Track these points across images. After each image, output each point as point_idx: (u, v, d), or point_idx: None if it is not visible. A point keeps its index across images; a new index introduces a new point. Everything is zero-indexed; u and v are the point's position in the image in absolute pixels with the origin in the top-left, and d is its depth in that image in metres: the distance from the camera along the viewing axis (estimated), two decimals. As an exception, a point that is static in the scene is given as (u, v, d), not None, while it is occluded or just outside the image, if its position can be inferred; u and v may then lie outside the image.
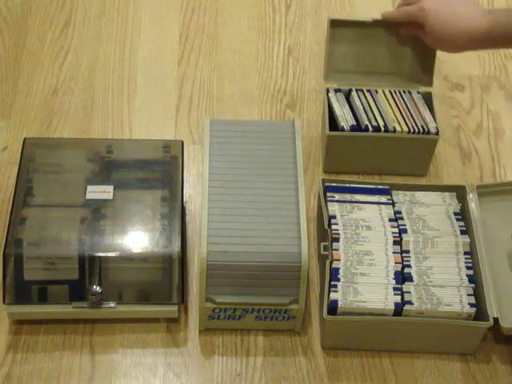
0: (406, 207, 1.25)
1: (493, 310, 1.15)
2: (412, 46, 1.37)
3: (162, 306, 1.18)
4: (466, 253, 1.20)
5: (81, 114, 1.46)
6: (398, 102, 1.38)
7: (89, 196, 1.21)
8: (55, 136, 1.42)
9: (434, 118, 1.36)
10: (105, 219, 1.19)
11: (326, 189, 1.26)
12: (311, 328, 1.21)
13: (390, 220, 1.23)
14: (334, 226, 1.21)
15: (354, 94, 1.39)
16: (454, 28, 1.22)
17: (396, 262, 1.18)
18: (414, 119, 1.36)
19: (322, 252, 1.19)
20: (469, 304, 1.15)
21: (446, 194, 1.27)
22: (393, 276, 1.17)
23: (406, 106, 1.38)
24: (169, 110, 1.48)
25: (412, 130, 1.34)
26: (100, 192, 1.21)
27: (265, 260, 1.12)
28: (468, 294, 1.16)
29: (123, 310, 1.17)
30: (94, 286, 1.15)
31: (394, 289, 1.16)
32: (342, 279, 1.16)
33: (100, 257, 1.17)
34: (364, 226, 1.22)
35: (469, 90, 1.55)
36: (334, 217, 1.22)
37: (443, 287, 1.16)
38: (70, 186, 1.23)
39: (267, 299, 1.15)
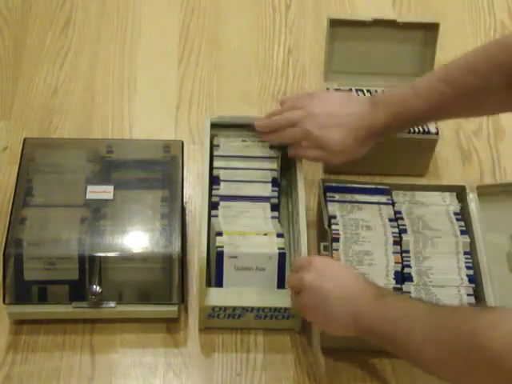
0: (406, 207, 1.25)
1: (493, 310, 1.14)
2: (412, 45, 1.37)
3: (162, 306, 1.18)
4: (465, 253, 1.20)
5: (81, 114, 1.46)
6: (397, 102, 1.38)
7: (89, 196, 1.21)
8: (55, 136, 1.42)
9: (433, 118, 1.36)
10: (105, 219, 1.19)
11: (326, 189, 1.26)
12: (311, 328, 1.20)
13: (390, 220, 1.23)
14: (334, 226, 1.21)
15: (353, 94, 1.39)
16: (351, 133, 1.16)
17: (396, 262, 1.18)
18: (413, 119, 1.35)
19: (322, 252, 1.19)
20: (469, 304, 1.15)
21: (446, 193, 1.27)
22: (393, 276, 1.17)
23: (406, 106, 1.37)
24: (169, 109, 1.48)
25: (412, 129, 1.34)
26: (100, 192, 1.21)
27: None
28: (468, 294, 1.16)
29: (123, 310, 1.17)
30: (94, 286, 1.15)
31: (394, 289, 1.16)
32: (341, 279, 1.16)
33: (100, 257, 1.17)
34: (364, 226, 1.22)
35: (469, 90, 1.55)
36: (334, 217, 1.22)
37: (443, 287, 1.16)
38: (70, 186, 1.23)
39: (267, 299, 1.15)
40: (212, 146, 1.27)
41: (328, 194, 1.25)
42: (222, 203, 1.21)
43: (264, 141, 1.28)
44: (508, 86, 1.03)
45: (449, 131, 1.47)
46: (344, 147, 1.17)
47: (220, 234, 1.17)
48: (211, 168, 1.24)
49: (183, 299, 1.18)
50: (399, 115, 1.13)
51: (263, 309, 1.16)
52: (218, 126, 1.28)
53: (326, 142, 1.17)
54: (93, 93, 1.49)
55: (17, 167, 1.24)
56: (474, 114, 1.23)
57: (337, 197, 1.25)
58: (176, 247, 1.19)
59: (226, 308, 1.15)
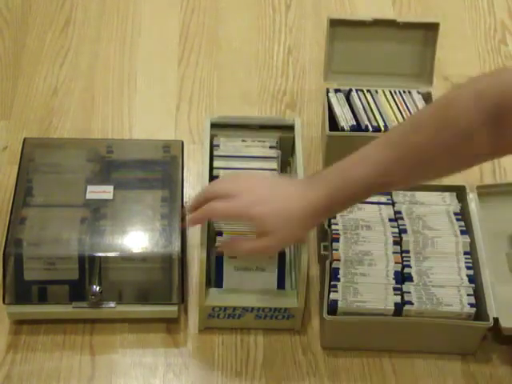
0: (405, 207, 1.25)
1: (493, 310, 1.14)
2: (412, 46, 1.37)
3: (162, 306, 1.18)
4: (465, 253, 1.20)
5: (81, 113, 1.46)
6: (397, 102, 1.38)
7: (89, 196, 1.21)
8: (55, 136, 1.42)
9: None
10: (105, 219, 1.19)
11: (326, 189, 1.26)
12: (311, 328, 1.21)
13: (390, 220, 1.23)
14: (334, 226, 1.21)
15: (353, 94, 1.39)
16: (292, 214, 1.03)
17: (396, 262, 1.18)
18: (414, 119, 1.36)
19: (322, 252, 1.19)
20: (469, 304, 1.15)
21: (446, 193, 1.27)
22: (393, 276, 1.17)
23: (406, 106, 1.38)
24: (169, 109, 1.48)
25: (412, 130, 1.34)
26: (100, 192, 1.21)
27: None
28: (468, 294, 1.16)
29: (123, 310, 1.17)
30: (94, 286, 1.15)
31: (394, 289, 1.16)
32: (341, 279, 1.16)
33: (100, 257, 1.17)
34: (364, 226, 1.22)
35: (469, 89, 1.55)
36: (334, 217, 1.22)
37: (443, 287, 1.16)
38: (70, 186, 1.23)
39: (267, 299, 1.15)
40: (212, 146, 1.27)
41: (328, 194, 1.25)
42: (221, 203, 1.21)
43: (264, 141, 1.28)
44: (460, 139, 0.94)
45: (449, 131, 1.47)
46: (285, 233, 1.05)
47: (220, 234, 1.17)
48: (211, 168, 1.24)
49: (183, 299, 1.18)
50: (340, 191, 1.01)
51: (263, 309, 1.16)
52: (218, 126, 1.28)
53: (266, 229, 1.05)
54: (93, 93, 1.50)
55: (17, 167, 1.24)
56: (425, 177, 1.07)
57: (337, 197, 1.25)
58: (176, 247, 1.19)
59: (226, 308, 1.15)
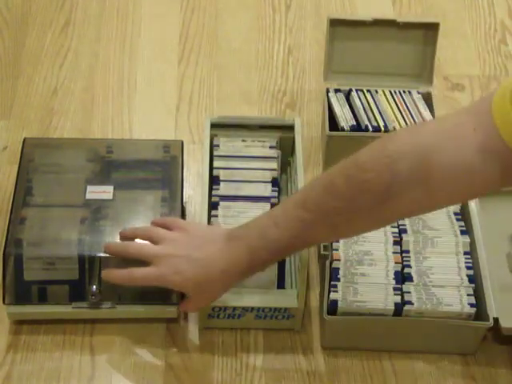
0: (405, 207, 1.25)
1: (493, 310, 1.14)
2: (412, 45, 1.37)
3: (162, 306, 1.17)
4: (465, 253, 1.20)
5: (81, 113, 1.46)
6: (397, 102, 1.38)
7: (89, 196, 1.21)
8: (55, 136, 1.42)
9: (433, 118, 1.36)
10: (105, 219, 1.19)
11: (326, 189, 1.26)
12: (311, 328, 1.20)
13: (390, 220, 1.23)
14: (333, 226, 1.21)
15: (353, 94, 1.39)
16: (214, 279, 1.05)
17: (396, 262, 1.18)
18: (413, 119, 1.36)
19: (322, 252, 1.19)
20: (469, 304, 1.15)
21: (446, 193, 1.27)
22: (393, 276, 1.17)
23: (406, 106, 1.38)
24: (169, 109, 1.48)
25: (412, 129, 1.34)
26: (100, 192, 1.21)
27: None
28: (468, 294, 1.16)
29: (123, 310, 1.17)
30: (94, 286, 1.15)
31: (394, 289, 1.16)
32: (341, 279, 1.16)
33: (100, 257, 1.16)
34: (364, 225, 1.22)
35: (469, 89, 1.55)
36: (334, 217, 1.22)
37: (443, 287, 1.16)
38: (70, 186, 1.23)
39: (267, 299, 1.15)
40: (212, 146, 1.27)
41: (328, 194, 1.25)
42: (221, 203, 1.21)
43: (264, 141, 1.28)
44: (378, 203, 0.93)
45: (449, 131, 1.47)
46: (205, 296, 1.08)
47: (220, 234, 1.17)
48: (211, 168, 1.24)
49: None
50: (261, 250, 1.01)
51: (263, 309, 1.16)
52: (218, 126, 1.29)
53: (183, 288, 1.09)
54: (93, 93, 1.50)
55: (17, 167, 1.24)
56: (344, 235, 1.10)
57: (337, 197, 1.25)
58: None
59: (226, 308, 1.15)
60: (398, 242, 1.20)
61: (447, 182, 0.89)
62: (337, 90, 1.40)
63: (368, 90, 1.39)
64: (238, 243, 1.03)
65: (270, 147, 1.28)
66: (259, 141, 1.28)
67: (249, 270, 1.04)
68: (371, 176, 0.92)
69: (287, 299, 1.16)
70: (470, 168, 0.88)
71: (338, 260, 1.18)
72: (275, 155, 1.27)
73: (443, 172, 0.89)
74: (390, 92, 1.40)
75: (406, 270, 1.18)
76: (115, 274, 1.10)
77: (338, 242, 1.19)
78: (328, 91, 1.40)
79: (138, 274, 1.08)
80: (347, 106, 1.38)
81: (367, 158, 0.94)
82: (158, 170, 1.26)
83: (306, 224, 0.98)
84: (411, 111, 1.37)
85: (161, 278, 1.07)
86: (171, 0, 1.66)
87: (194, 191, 1.35)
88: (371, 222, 0.99)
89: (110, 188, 1.22)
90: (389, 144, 0.93)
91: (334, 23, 1.35)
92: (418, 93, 1.40)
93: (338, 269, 1.17)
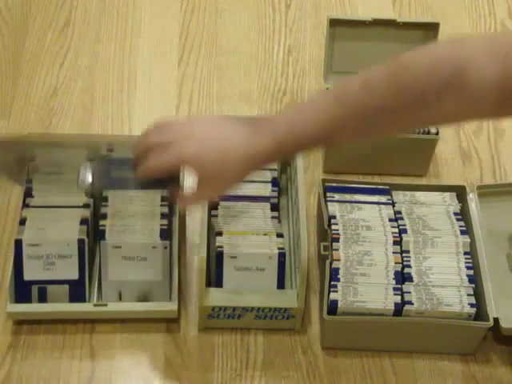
0: (405, 207, 1.25)
1: (493, 310, 1.15)
2: (412, 45, 1.37)
3: (162, 306, 1.17)
4: (465, 253, 1.20)
5: (81, 113, 1.46)
6: (397, 102, 1.38)
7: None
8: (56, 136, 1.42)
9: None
10: (105, 219, 1.19)
11: (326, 189, 1.26)
12: (311, 328, 1.20)
13: (390, 220, 1.23)
14: (333, 226, 1.21)
15: (353, 93, 1.39)
16: (228, 163, 0.98)
17: (396, 262, 1.18)
18: (413, 119, 1.35)
19: (322, 252, 1.19)
20: (469, 304, 1.15)
21: (446, 194, 1.27)
22: (393, 276, 1.17)
23: (406, 106, 1.37)
24: (169, 110, 1.48)
25: (412, 130, 1.34)
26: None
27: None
28: (468, 294, 1.16)
29: (123, 310, 1.17)
30: (94, 286, 1.15)
31: (394, 289, 1.16)
32: (341, 279, 1.16)
33: (100, 257, 1.17)
34: (364, 226, 1.22)
35: (469, 89, 1.55)
36: (334, 217, 1.22)
37: (443, 287, 1.16)
38: (70, 186, 1.23)
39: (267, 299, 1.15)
40: (212, 146, 1.27)
41: (328, 194, 1.25)
42: (221, 203, 1.21)
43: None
44: (413, 105, 0.92)
45: (449, 131, 1.47)
46: (219, 176, 1.00)
47: (220, 234, 1.17)
48: (211, 168, 1.24)
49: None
50: (287, 141, 0.97)
51: (263, 309, 1.16)
52: (217, 126, 1.28)
53: (205, 174, 1.01)
54: (92, 93, 1.49)
55: (16, 167, 1.24)
56: (374, 136, 1.06)
57: (337, 197, 1.25)
58: (176, 247, 1.19)
59: (225, 308, 1.15)
60: (397, 242, 1.20)
61: (477, 98, 0.89)
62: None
63: (368, 90, 1.39)
64: (264, 132, 0.98)
65: None
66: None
67: (269, 159, 1.00)
68: (411, 78, 0.91)
69: (287, 299, 1.16)
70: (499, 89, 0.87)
71: (338, 260, 1.18)
72: (275, 155, 1.27)
73: (475, 87, 0.88)
74: (390, 92, 1.40)
75: (406, 270, 1.18)
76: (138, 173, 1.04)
77: (338, 241, 1.19)
78: (328, 91, 1.40)
79: (152, 162, 1.01)
80: (347, 106, 1.38)
81: (410, 59, 0.93)
82: (158, 170, 1.26)
83: (335, 119, 0.95)
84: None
85: (178, 154, 0.99)
86: (171, 0, 1.66)
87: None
88: (398, 126, 0.97)
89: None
90: (433, 49, 0.93)
91: (334, 23, 1.35)
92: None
93: (337, 269, 1.17)
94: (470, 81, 0.87)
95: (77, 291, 1.16)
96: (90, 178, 1.14)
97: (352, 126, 0.96)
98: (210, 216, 1.19)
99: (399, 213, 1.24)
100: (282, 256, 1.16)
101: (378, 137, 1.05)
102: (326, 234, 1.21)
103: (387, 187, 1.27)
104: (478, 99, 0.88)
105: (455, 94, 0.89)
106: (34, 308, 1.16)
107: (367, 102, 0.93)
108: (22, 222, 1.18)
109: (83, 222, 1.18)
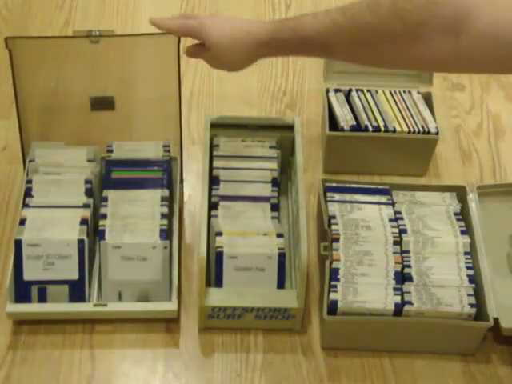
0: (406, 207, 1.25)
1: (493, 311, 1.15)
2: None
3: (162, 306, 1.17)
4: (466, 253, 1.20)
5: (81, 114, 1.46)
6: (398, 101, 1.38)
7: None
8: (55, 136, 1.41)
9: (433, 118, 1.36)
10: (105, 219, 1.19)
11: (326, 189, 1.26)
12: (311, 328, 1.20)
13: (390, 220, 1.23)
14: (333, 226, 1.21)
15: (353, 94, 1.39)
16: (236, 32, 1.10)
17: (396, 262, 1.18)
18: (413, 119, 1.36)
19: (322, 252, 1.19)
20: (469, 304, 1.15)
21: (446, 193, 1.27)
22: (393, 276, 1.17)
23: (406, 106, 1.38)
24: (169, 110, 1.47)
25: (412, 130, 1.34)
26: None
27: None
28: (468, 295, 1.16)
29: (123, 310, 1.17)
30: (94, 286, 1.15)
31: (394, 289, 1.16)
32: (341, 279, 1.16)
33: (100, 256, 1.17)
34: (364, 226, 1.22)
35: (469, 89, 1.55)
36: (334, 217, 1.22)
37: (443, 287, 1.16)
38: (70, 186, 1.23)
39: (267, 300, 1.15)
40: (212, 146, 1.27)
41: (328, 194, 1.25)
42: (221, 203, 1.21)
43: (264, 141, 1.28)
44: (406, 36, 0.97)
45: (449, 131, 1.47)
46: (224, 52, 1.12)
47: (220, 234, 1.17)
48: (211, 168, 1.24)
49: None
50: (287, 28, 1.07)
51: (263, 309, 1.16)
52: (217, 126, 1.28)
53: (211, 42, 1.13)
54: (93, 93, 1.49)
55: (16, 167, 1.24)
56: (366, 59, 1.09)
57: (337, 197, 1.25)
58: (175, 247, 1.19)
59: (225, 308, 1.15)
60: (397, 242, 1.20)
61: (475, 46, 0.92)
62: (337, 90, 1.40)
63: (368, 90, 1.40)
64: (269, 22, 1.11)
65: (270, 147, 1.28)
66: (259, 141, 1.28)
67: (269, 45, 1.07)
68: (411, 7, 0.95)
69: (287, 299, 1.16)
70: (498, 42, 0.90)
71: (338, 260, 1.18)
72: (275, 155, 1.27)
73: (475, 35, 0.91)
74: (390, 92, 1.40)
75: (406, 270, 1.18)
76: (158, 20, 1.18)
77: (337, 241, 1.19)
78: (328, 91, 1.40)
79: (180, 21, 1.16)
80: (347, 106, 1.38)
81: None
82: (158, 170, 1.26)
83: (336, 25, 1.02)
84: (411, 111, 1.37)
85: (199, 25, 1.12)
86: (171, 0, 1.66)
87: (194, 191, 1.35)
88: (392, 55, 1.01)
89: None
90: None
91: (334, 23, 1.35)
92: (418, 93, 1.40)
93: (337, 269, 1.17)
94: (469, 31, 0.90)
95: (77, 291, 1.16)
96: None
97: (350, 39, 1.01)
98: (209, 216, 1.19)
99: (399, 213, 1.24)
100: (281, 256, 1.16)
101: (371, 61, 1.08)
102: (326, 234, 1.21)
103: (387, 187, 1.27)
104: (472, 49, 0.92)
105: (451, 38, 0.92)
106: (34, 308, 1.16)
107: (369, 19, 0.99)
108: (22, 222, 1.18)
109: (83, 222, 1.18)
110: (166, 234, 1.18)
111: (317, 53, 1.09)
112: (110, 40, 1.20)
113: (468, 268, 1.18)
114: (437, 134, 1.35)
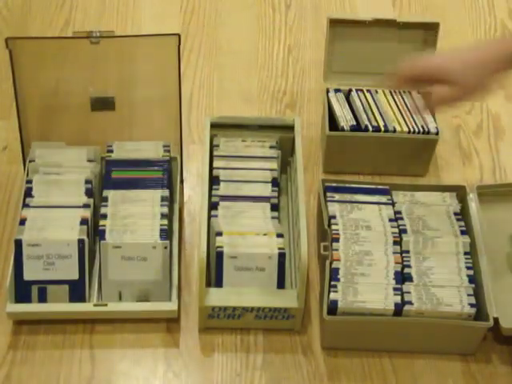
0: (406, 207, 1.25)
1: (493, 310, 1.14)
2: (412, 45, 1.37)
3: (162, 306, 1.17)
4: (466, 253, 1.20)
5: (81, 114, 1.46)
6: (397, 102, 1.38)
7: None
8: (55, 136, 1.41)
9: (433, 118, 1.36)
10: (105, 219, 1.19)
11: (326, 189, 1.26)
12: (311, 328, 1.20)
13: (390, 220, 1.23)
14: (333, 226, 1.21)
15: (353, 94, 1.39)
16: (480, 56, 1.08)
17: (396, 262, 1.18)
18: (413, 119, 1.36)
19: (322, 252, 1.19)
20: (469, 304, 1.15)
21: (446, 193, 1.27)
22: (393, 276, 1.17)
23: (406, 106, 1.38)
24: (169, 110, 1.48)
25: (412, 129, 1.34)
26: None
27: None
28: (468, 294, 1.16)
29: (123, 310, 1.17)
30: (94, 286, 1.15)
31: (394, 289, 1.16)
32: (341, 279, 1.16)
33: (100, 257, 1.17)
34: (364, 226, 1.22)
35: (469, 89, 1.55)
36: (334, 217, 1.22)
37: (443, 287, 1.16)
38: (70, 186, 1.23)
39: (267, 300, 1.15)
40: (212, 146, 1.27)
41: (328, 194, 1.25)
42: (221, 203, 1.21)
43: (264, 141, 1.28)
44: None
45: (449, 131, 1.47)
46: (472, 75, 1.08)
47: (220, 234, 1.17)
48: (211, 168, 1.24)
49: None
50: None
51: (263, 309, 1.16)
52: (218, 126, 1.29)
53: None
54: (93, 93, 1.49)
55: (16, 167, 1.24)
56: None
57: (337, 197, 1.25)
58: (175, 247, 1.19)
59: (225, 308, 1.15)
60: (397, 242, 1.20)
61: None
62: (337, 90, 1.40)
63: (368, 90, 1.40)
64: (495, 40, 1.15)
65: (270, 147, 1.28)
66: (259, 141, 1.28)
67: (502, 61, 1.07)
68: None
69: (287, 299, 1.16)
70: None
71: (338, 260, 1.18)
72: (275, 155, 1.27)
73: None
74: (390, 92, 1.40)
75: (406, 270, 1.18)
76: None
77: (337, 241, 1.19)
78: (328, 91, 1.40)
79: (445, 93, 1.10)
80: (347, 106, 1.38)
81: None
82: (158, 170, 1.26)
83: None
84: (411, 111, 1.37)
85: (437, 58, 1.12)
86: (171, 0, 1.66)
87: (194, 191, 1.35)
88: None
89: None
90: None
91: (334, 23, 1.35)
92: (418, 93, 1.40)
93: (337, 269, 1.17)
94: None
95: (77, 291, 1.16)
96: None
97: None
98: (209, 216, 1.19)
99: (399, 213, 1.24)
100: (281, 256, 1.16)
101: None
102: (326, 234, 1.21)
103: (387, 187, 1.27)
104: None
105: None
106: (34, 308, 1.16)
107: None
108: (22, 222, 1.18)
109: (83, 222, 1.18)
110: (166, 233, 1.18)
111: None
112: (111, 41, 1.20)
113: (468, 268, 1.18)
114: (437, 134, 1.35)
